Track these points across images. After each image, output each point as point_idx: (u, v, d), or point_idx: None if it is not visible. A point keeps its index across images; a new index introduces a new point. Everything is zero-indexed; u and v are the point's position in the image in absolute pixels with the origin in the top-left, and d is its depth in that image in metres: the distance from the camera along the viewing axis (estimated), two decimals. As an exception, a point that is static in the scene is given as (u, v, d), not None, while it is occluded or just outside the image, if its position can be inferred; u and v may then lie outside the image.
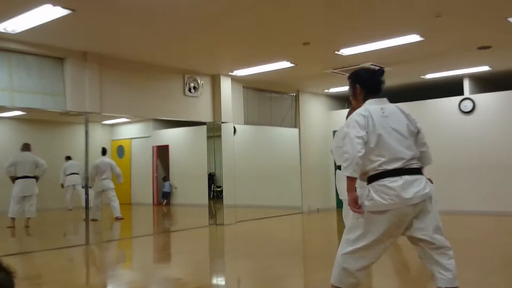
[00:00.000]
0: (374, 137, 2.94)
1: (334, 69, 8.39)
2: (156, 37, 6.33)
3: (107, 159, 9.71)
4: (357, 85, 3.18)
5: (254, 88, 9.68)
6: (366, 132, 2.93)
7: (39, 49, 6.45)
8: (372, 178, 2.96)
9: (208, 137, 8.96)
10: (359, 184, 3.24)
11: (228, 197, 8.79)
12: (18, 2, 4.94)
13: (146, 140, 13.90)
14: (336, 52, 7.25)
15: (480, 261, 5.06)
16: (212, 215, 8.94)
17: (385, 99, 3.12)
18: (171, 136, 13.55)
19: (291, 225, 8.82)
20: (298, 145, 10.60)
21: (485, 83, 10.01)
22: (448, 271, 2.89)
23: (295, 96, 10.59)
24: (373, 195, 2.90)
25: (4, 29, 5.68)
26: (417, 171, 2.96)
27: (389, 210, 2.87)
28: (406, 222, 2.92)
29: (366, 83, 3.16)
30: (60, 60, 6.76)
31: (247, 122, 9.53)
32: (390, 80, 9.73)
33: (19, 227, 8.37)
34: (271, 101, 10.12)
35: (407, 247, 6.05)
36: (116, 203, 9.47)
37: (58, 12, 5.15)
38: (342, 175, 5.46)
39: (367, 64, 8.05)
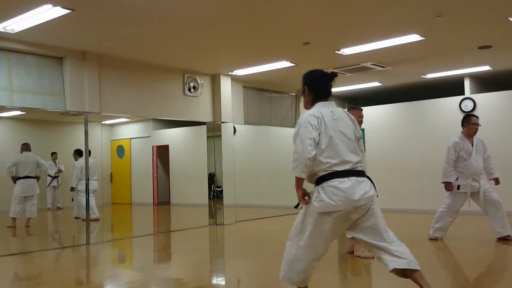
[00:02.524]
0: (325, 138, 3.02)
1: (334, 68, 8.38)
2: (156, 36, 6.32)
3: (92, 160, 9.59)
4: (306, 87, 3.26)
5: (254, 88, 9.67)
6: (319, 134, 3.01)
7: (38, 48, 6.44)
8: (321, 179, 3.04)
9: (208, 137, 8.95)
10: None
11: (228, 197, 8.78)
12: (17, 2, 4.93)
13: (146, 140, 13.89)
14: (337, 52, 7.24)
15: (479, 261, 5.05)
16: (212, 215, 8.93)
17: (333, 103, 3.23)
18: (171, 136, 13.54)
19: (291, 225, 8.80)
20: (298, 145, 10.57)
21: (485, 83, 10.00)
22: (402, 257, 3.01)
23: (295, 96, 10.58)
24: (322, 196, 3.00)
25: (4, 28, 5.67)
26: (363, 174, 3.11)
27: (336, 211, 2.98)
28: (350, 222, 3.06)
29: (314, 86, 3.24)
30: (59, 59, 6.75)
31: (247, 122, 9.52)
32: (390, 80, 9.72)
33: (20, 227, 8.37)
34: (271, 101, 10.11)
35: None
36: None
37: (57, 11, 5.14)
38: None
39: (368, 64, 8.05)
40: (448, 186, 6.05)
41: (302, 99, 3.35)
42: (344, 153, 3.04)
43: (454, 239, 6.25)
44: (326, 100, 3.20)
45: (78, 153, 9.36)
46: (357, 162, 3.07)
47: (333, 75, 3.24)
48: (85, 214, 9.18)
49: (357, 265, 4.94)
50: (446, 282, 4.21)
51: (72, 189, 9.16)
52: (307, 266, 3.11)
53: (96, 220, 8.90)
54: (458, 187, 6.03)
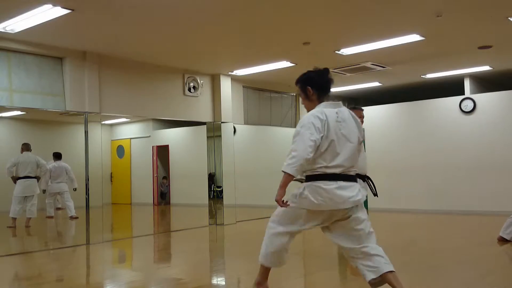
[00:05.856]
0: (326, 142, 3.02)
1: (334, 68, 8.38)
2: (156, 36, 6.32)
3: (62, 163, 9.65)
4: (309, 87, 3.26)
5: (254, 88, 9.67)
6: (321, 137, 2.99)
7: (38, 48, 6.44)
8: (309, 178, 3.10)
9: (208, 137, 8.95)
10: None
11: (228, 197, 8.78)
12: (17, 2, 4.93)
13: (146, 140, 13.89)
14: (337, 52, 7.23)
15: (478, 261, 5.05)
16: (212, 215, 8.93)
17: (340, 103, 3.22)
18: (171, 136, 13.54)
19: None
20: (298, 145, 10.57)
21: (485, 83, 10.00)
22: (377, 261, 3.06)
23: (295, 96, 10.58)
24: (307, 194, 3.06)
25: (4, 28, 5.67)
26: (353, 178, 3.12)
27: (318, 210, 3.08)
28: (331, 221, 3.15)
29: (318, 84, 3.25)
30: (59, 60, 6.75)
31: (247, 122, 9.52)
32: (390, 80, 9.72)
33: (20, 227, 8.38)
34: (271, 101, 10.11)
35: (405, 247, 6.03)
36: (71, 203, 9.47)
37: (57, 11, 5.14)
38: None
39: (368, 64, 8.05)
40: None
41: (304, 102, 3.32)
42: (341, 157, 3.04)
43: (455, 239, 6.25)
44: (331, 99, 3.20)
45: (53, 155, 9.49)
46: (350, 167, 3.08)
47: (328, 70, 3.31)
48: (72, 213, 9.41)
49: (357, 265, 4.93)
50: (446, 282, 4.21)
51: (44, 191, 9.30)
52: (285, 246, 3.32)
53: (50, 217, 9.33)
54: None
